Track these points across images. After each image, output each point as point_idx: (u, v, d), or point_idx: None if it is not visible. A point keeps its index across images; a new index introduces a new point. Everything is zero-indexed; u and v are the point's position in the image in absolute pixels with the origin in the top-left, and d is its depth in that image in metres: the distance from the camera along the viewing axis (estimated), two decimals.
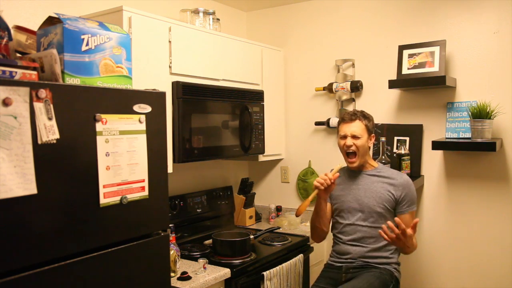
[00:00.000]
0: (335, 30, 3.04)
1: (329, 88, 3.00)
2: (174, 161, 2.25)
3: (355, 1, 2.95)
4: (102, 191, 1.46)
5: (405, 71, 2.64)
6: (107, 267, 1.49)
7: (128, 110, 1.56)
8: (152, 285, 1.66)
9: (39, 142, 1.27)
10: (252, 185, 3.17)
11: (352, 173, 2.31)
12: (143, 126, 1.61)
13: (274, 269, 2.37)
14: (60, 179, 1.35)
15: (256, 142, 2.78)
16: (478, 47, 2.54)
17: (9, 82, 1.22)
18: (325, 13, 3.08)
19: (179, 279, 2.03)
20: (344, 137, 2.24)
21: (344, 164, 2.30)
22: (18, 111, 1.22)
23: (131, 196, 1.56)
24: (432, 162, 2.70)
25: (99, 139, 1.45)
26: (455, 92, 2.62)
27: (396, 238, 1.96)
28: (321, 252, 2.97)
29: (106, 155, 1.47)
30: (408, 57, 2.65)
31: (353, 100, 2.97)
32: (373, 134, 2.28)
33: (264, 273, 2.30)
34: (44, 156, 1.29)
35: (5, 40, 1.50)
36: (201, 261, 2.15)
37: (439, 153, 2.68)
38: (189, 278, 2.04)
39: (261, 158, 2.99)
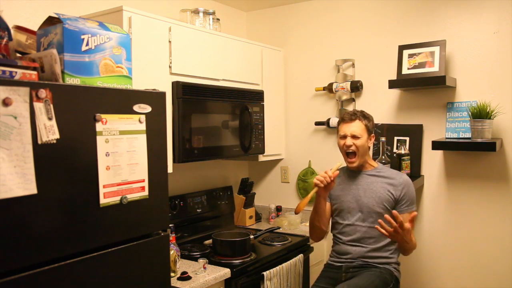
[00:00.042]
0: (335, 30, 3.04)
1: (329, 88, 3.00)
2: (174, 161, 2.25)
3: (355, 1, 2.95)
4: (102, 191, 1.46)
5: (405, 71, 2.64)
6: (107, 267, 1.49)
7: (128, 110, 1.56)
8: (152, 285, 1.66)
9: (39, 142, 1.27)
10: (252, 185, 3.17)
11: (351, 173, 2.31)
12: (143, 126, 1.61)
13: (274, 269, 2.37)
14: (60, 179, 1.35)
15: (256, 142, 2.78)
16: (478, 47, 2.54)
17: (9, 82, 1.22)
18: (325, 13, 3.08)
19: (179, 279, 2.03)
20: (344, 137, 2.24)
21: (344, 163, 2.30)
22: (18, 111, 1.22)
23: (131, 196, 1.56)
24: (432, 162, 2.70)
25: (99, 139, 1.45)
26: (455, 92, 2.62)
27: (394, 232, 1.95)
28: (321, 252, 2.97)
29: (106, 155, 1.47)
30: (408, 57, 2.65)
31: (353, 100, 2.97)
32: (373, 134, 2.28)
33: (264, 273, 2.30)
34: (44, 156, 1.29)
35: (5, 40, 1.50)
36: (201, 261, 2.15)
37: (439, 153, 2.68)
38: (189, 278, 2.04)
39: (261, 158, 2.99)
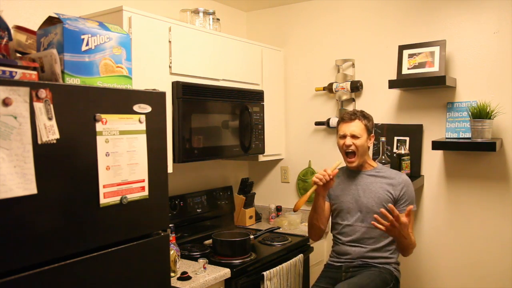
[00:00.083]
0: (335, 30, 3.04)
1: (329, 88, 3.00)
2: (174, 161, 2.25)
3: (355, 1, 2.95)
4: (102, 191, 1.46)
5: (405, 71, 2.64)
6: (107, 267, 1.49)
7: (128, 110, 1.56)
8: (152, 285, 1.66)
9: (39, 142, 1.27)
10: (252, 185, 3.17)
11: (351, 173, 2.31)
12: (143, 126, 1.61)
13: (274, 269, 2.37)
14: (60, 179, 1.35)
15: (256, 142, 2.78)
16: (478, 47, 2.54)
17: (9, 82, 1.22)
18: (325, 13, 3.08)
19: (179, 279, 2.03)
20: (344, 136, 2.24)
21: (343, 162, 2.29)
22: (18, 111, 1.22)
23: (131, 196, 1.56)
24: (432, 162, 2.70)
25: (99, 139, 1.45)
26: (455, 92, 2.62)
27: (390, 226, 1.94)
28: (321, 252, 2.97)
29: (106, 155, 1.47)
30: (408, 57, 2.65)
31: (353, 100, 2.97)
32: (372, 134, 2.28)
33: (264, 273, 2.30)
34: (44, 156, 1.29)
35: (5, 40, 1.50)
36: (201, 261, 2.15)
37: (439, 153, 2.68)
38: (189, 278, 2.04)
39: (261, 158, 2.99)
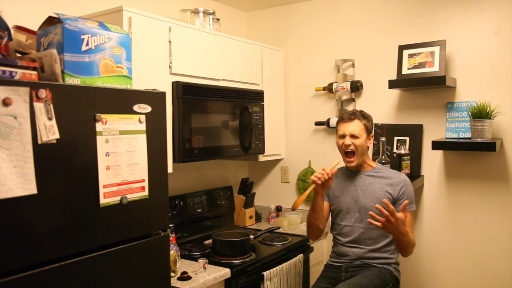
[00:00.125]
0: (335, 30, 3.04)
1: (329, 88, 3.00)
2: (174, 161, 2.25)
3: (355, 1, 2.95)
4: (102, 191, 1.46)
5: (405, 71, 2.64)
6: (107, 267, 1.49)
7: (128, 110, 1.56)
8: (152, 285, 1.66)
9: (39, 142, 1.27)
10: (252, 185, 3.17)
11: (350, 174, 2.31)
12: (143, 126, 1.61)
13: (274, 269, 2.37)
14: (60, 179, 1.35)
15: (256, 142, 2.78)
16: (478, 47, 2.54)
17: (9, 82, 1.22)
18: (325, 13, 3.08)
19: (179, 279, 2.03)
20: (343, 136, 2.23)
21: (342, 161, 2.29)
22: (18, 111, 1.22)
23: (131, 196, 1.56)
24: (432, 162, 2.70)
25: (99, 139, 1.45)
26: (455, 92, 2.62)
27: (386, 222, 1.93)
28: (321, 252, 2.97)
29: (106, 155, 1.47)
30: (408, 57, 2.65)
31: (353, 100, 2.97)
32: (372, 134, 2.28)
33: (264, 273, 2.30)
34: (44, 156, 1.29)
35: (5, 40, 1.50)
36: (201, 261, 2.15)
37: (439, 153, 2.68)
38: (189, 278, 2.04)
39: (261, 158, 2.99)
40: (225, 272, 2.17)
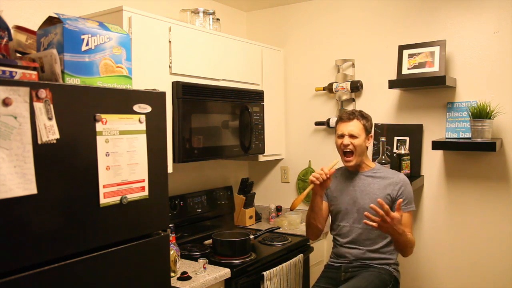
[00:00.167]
0: (335, 30, 3.04)
1: (329, 88, 3.00)
2: (174, 161, 2.25)
3: (355, 1, 2.95)
4: (102, 191, 1.46)
5: (405, 71, 2.64)
6: (107, 267, 1.49)
7: (128, 110, 1.56)
8: (152, 285, 1.66)
9: (39, 142, 1.27)
10: (252, 185, 3.17)
11: (349, 174, 2.31)
12: (143, 126, 1.61)
13: (274, 269, 2.37)
14: (60, 179, 1.35)
15: (256, 142, 2.78)
16: (478, 47, 2.54)
17: (9, 82, 1.22)
18: (325, 13, 3.08)
19: (179, 279, 2.03)
20: (342, 136, 2.23)
21: (340, 161, 2.28)
22: (18, 111, 1.22)
23: (131, 196, 1.56)
24: (432, 162, 2.70)
25: (99, 139, 1.45)
26: (455, 92, 2.62)
27: (382, 221, 1.92)
28: (321, 252, 2.97)
29: (106, 155, 1.47)
30: (408, 57, 2.65)
31: (353, 100, 2.97)
32: (371, 135, 2.28)
33: (264, 273, 2.30)
34: (44, 156, 1.29)
35: (5, 40, 1.50)
36: (201, 261, 2.15)
37: (439, 153, 2.68)
38: (189, 278, 2.04)
39: (261, 158, 2.99)
40: (225, 272, 2.17)
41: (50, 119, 1.30)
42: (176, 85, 2.25)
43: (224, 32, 2.75)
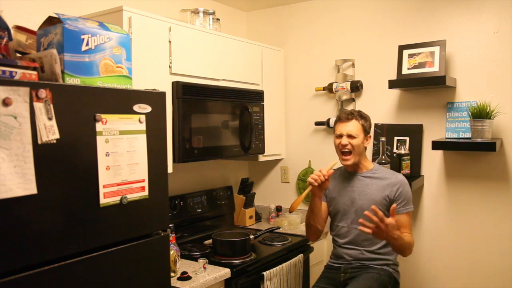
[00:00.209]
0: (335, 30, 3.04)
1: (329, 88, 3.00)
2: (174, 161, 2.25)
3: (355, 1, 2.95)
4: (102, 191, 1.46)
5: (405, 71, 2.64)
6: (107, 267, 1.49)
7: (128, 110, 1.56)
8: (152, 285, 1.66)
9: (39, 142, 1.27)
10: (252, 185, 3.17)
11: (347, 175, 2.31)
12: (143, 126, 1.61)
13: (274, 269, 2.37)
14: (60, 179, 1.35)
15: (256, 142, 2.78)
16: (478, 47, 2.54)
17: (9, 82, 1.22)
18: (325, 13, 3.08)
19: (179, 279, 2.03)
20: (340, 136, 2.23)
21: (339, 162, 2.28)
22: (18, 111, 1.22)
23: (131, 196, 1.56)
24: (432, 162, 2.70)
25: (99, 139, 1.45)
26: (455, 92, 2.62)
27: (376, 228, 1.92)
28: (321, 252, 2.97)
29: (106, 155, 1.47)
30: (408, 57, 2.65)
31: (353, 100, 2.97)
32: (369, 135, 2.27)
33: (264, 273, 2.30)
34: (44, 156, 1.29)
35: (5, 40, 1.50)
36: (201, 261, 2.15)
37: (439, 153, 2.68)
38: (189, 278, 2.04)
39: (261, 158, 2.99)
40: (225, 272, 2.17)
41: (50, 119, 1.30)
42: (176, 85, 2.25)
43: (224, 32, 2.75)
